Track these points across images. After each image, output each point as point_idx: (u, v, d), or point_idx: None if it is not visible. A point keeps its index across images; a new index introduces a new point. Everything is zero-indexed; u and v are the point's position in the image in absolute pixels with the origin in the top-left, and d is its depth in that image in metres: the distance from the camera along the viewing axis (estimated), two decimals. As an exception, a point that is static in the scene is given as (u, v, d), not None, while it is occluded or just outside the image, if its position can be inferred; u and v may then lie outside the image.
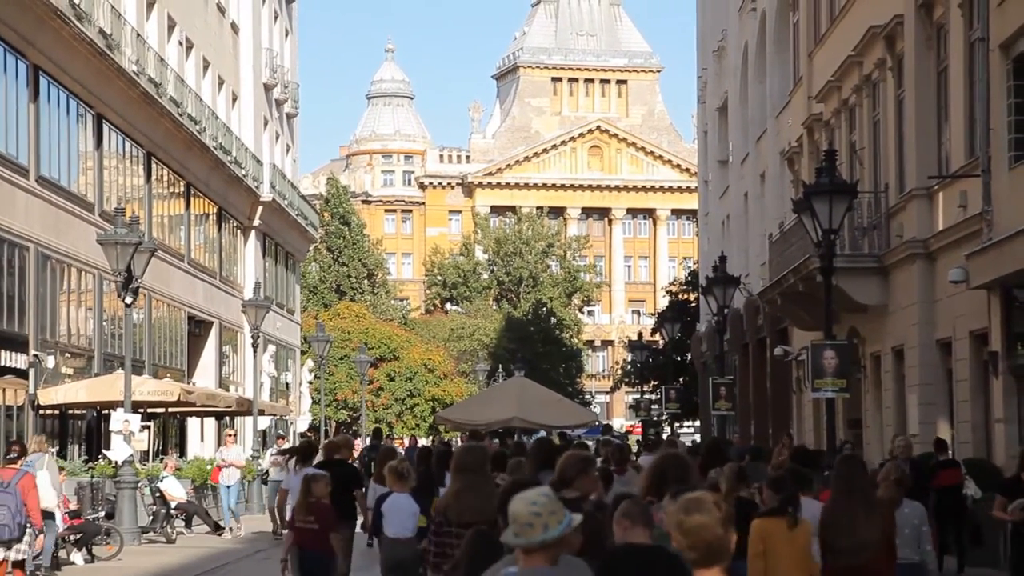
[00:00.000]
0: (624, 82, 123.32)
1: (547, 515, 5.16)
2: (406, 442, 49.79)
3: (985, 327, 21.93)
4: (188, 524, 29.36)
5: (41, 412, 30.79)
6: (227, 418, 43.60)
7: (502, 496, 7.43)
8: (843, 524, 9.66)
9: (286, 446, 32.52)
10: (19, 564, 16.54)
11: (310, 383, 58.98)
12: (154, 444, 35.10)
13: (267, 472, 32.84)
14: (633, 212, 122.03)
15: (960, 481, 20.03)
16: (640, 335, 64.97)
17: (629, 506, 6.60)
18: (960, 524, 19.71)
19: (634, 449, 32.48)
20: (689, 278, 66.39)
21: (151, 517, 27.09)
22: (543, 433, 31.59)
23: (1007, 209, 20.75)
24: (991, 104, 21.34)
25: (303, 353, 61.57)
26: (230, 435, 33.10)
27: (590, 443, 29.60)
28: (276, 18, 58.16)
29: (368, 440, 37.87)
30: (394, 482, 13.39)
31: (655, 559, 5.97)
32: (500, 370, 75.54)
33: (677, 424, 59.69)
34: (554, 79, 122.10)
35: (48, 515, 19.37)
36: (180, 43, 43.26)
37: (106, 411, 32.19)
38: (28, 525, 16.54)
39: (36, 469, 19.19)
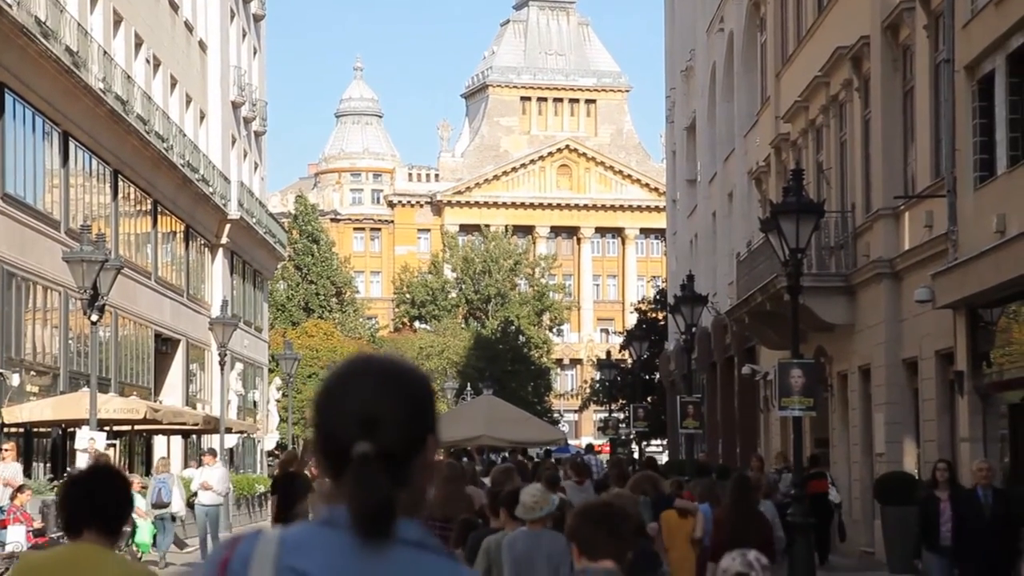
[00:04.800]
0: (593, 101, 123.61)
1: (541, 501, 9.24)
2: None
3: (951, 347, 22.03)
4: (154, 542, 29.21)
5: (6, 430, 30.59)
6: (193, 436, 43.43)
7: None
8: (740, 522, 12.90)
9: (217, 464, 29.03)
10: None
11: (278, 401, 58.81)
12: (120, 462, 34.89)
13: (195, 494, 28.77)
14: (602, 231, 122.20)
15: (826, 489, 24.75)
16: (608, 354, 64.99)
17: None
18: (827, 523, 24.45)
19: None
20: (657, 297, 66.47)
21: (116, 536, 26.88)
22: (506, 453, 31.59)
23: (972, 229, 20.86)
24: (956, 125, 21.46)
25: (271, 371, 61.38)
26: (211, 453, 30.42)
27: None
28: (244, 36, 58.08)
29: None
30: None
31: None
32: (469, 388, 75.45)
33: (645, 443, 59.75)
34: (523, 98, 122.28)
35: (171, 518, 25.39)
36: (147, 60, 43.14)
37: (72, 429, 31.99)
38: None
39: (171, 485, 25.22)
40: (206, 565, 2.75)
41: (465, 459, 28.39)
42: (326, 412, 2.70)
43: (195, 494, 28.67)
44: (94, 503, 4.77)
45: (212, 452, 30.55)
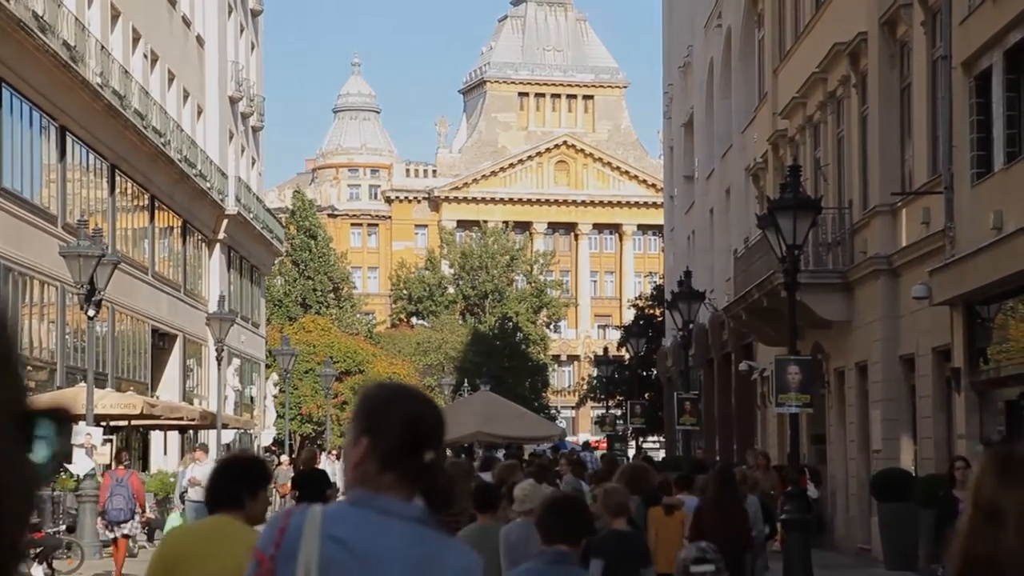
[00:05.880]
0: (590, 97, 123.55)
1: (531, 494, 10.27)
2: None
3: (948, 343, 22.04)
4: (151, 538, 29.20)
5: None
6: (190, 432, 43.41)
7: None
8: (722, 513, 13.35)
9: (208, 460, 26.71)
10: (127, 537, 22.85)
11: (275, 397, 58.77)
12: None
13: (185, 491, 27.16)
14: (599, 227, 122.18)
15: (806, 485, 24.74)
16: (606, 350, 64.96)
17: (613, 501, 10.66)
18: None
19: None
20: (655, 293, 66.45)
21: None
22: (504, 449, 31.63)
23: (969, 226, 20.87)
24: (954, 121, 21.47)
25: (268, 367, 61.34)
26: (202, 449, 29.44)
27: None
28: (242, 31, 58.03)
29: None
30: None
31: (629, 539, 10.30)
32: (466, 384, 75.43)
33: (642, 439, 59.76)
34: (521, 94, 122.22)
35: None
36: (145, 56, 43.12)
37: (68, 424, 31.90)
38: (135, 510, 23.08)
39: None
40: (268, 530, 3.49)
41: (463, 455, 28.43)
42: (392, 425, 3.50)
43: (185, 490, 27.92)
44: (230, 484, 5.89)
45: (203, 448, 30.28)
